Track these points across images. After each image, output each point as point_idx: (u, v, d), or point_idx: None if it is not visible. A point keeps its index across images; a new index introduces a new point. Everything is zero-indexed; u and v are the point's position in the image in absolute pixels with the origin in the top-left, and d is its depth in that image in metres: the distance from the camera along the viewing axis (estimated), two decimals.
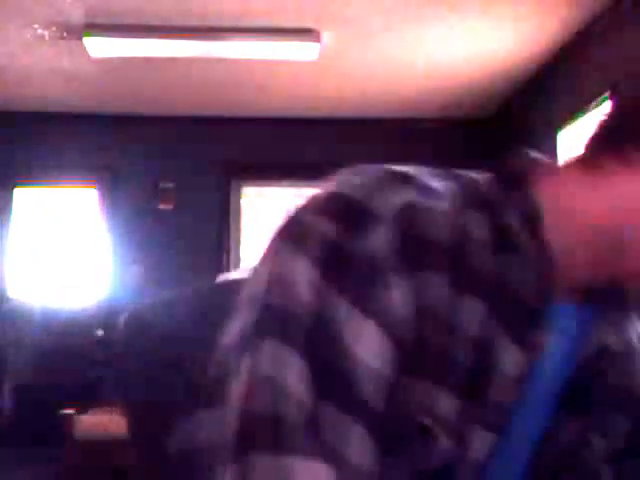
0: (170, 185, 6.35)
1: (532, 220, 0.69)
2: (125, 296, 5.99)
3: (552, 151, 5.12)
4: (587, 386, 0.75)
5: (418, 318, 0.64)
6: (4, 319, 6.10)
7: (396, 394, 0.64)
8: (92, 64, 5.23)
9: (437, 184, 0.69)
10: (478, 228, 0.68)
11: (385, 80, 5.54)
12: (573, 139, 4.97)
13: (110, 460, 3.73)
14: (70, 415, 3.92)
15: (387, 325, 0.62)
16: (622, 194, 0.69)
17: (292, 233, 0.63)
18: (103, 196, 6.40)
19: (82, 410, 4.00)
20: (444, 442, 0.67)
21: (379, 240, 0.62)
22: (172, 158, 6.31)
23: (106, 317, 6.10)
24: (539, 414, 0.74)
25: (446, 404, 0.66)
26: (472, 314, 0.67)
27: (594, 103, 4.59)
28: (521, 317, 0.69)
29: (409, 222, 0.64)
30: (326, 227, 0.62)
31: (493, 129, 6.08)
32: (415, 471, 0.66)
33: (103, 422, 3.94)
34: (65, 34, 4.79)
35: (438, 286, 0.65)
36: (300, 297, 0.61)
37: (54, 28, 4.72)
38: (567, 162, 0.75)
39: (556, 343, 0.72)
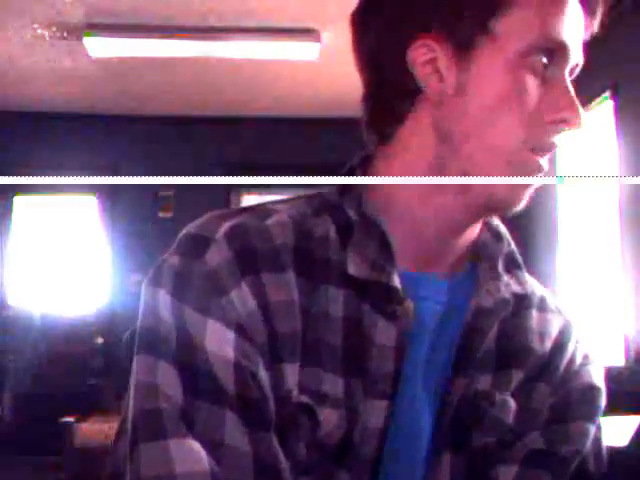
0: (169, 193, 6.34)
1: (363, 209, 0.81)
2: (125, 304, 5.98)
3: None
4: (471, 345, 0.82)
5: (265, 311, 0.74)
6: (4, 327, 6.09)
7: (272, 379, 0.74)
8: (92, 64, 5.23)
9: (282, 207, 0.82)
10: (320, 229, 0.80)
11: None
12: (572, 138, 4.97)
13: None
14: (70, 423, 3.90)
15: (229, 322, 0.73)
16: (406, 146, 0.83)
17: (154, 274, 0.78)
18: (103, 203, 6.40)
19: (82, 418, 3.99)
20: (330, 416, 0.76)
21: (214, 257, 0.75)
22: (172, 163, 6.28)
23: (106, 325, 6.10)
24: (432, 376, 0.82)
25: (331, 383, 0.76)
26: (332, 299, 0.78)
27: (594, 103, 4.59)
28: (379, 292, 0.78)
29: (238, 238, 0.76)
30: (173, 261, 0.77)
31: None
32: (312, 444, 0.75)
33: (103, 430, 3.92)
34: (65, 34, 4.80)
35: (284, 282, 0.76)
36: (162, 319, 0.74)
37: (54, 28, 4.72)
38: (376, 147, 0.88)
39: (427, 309, 0.81)
